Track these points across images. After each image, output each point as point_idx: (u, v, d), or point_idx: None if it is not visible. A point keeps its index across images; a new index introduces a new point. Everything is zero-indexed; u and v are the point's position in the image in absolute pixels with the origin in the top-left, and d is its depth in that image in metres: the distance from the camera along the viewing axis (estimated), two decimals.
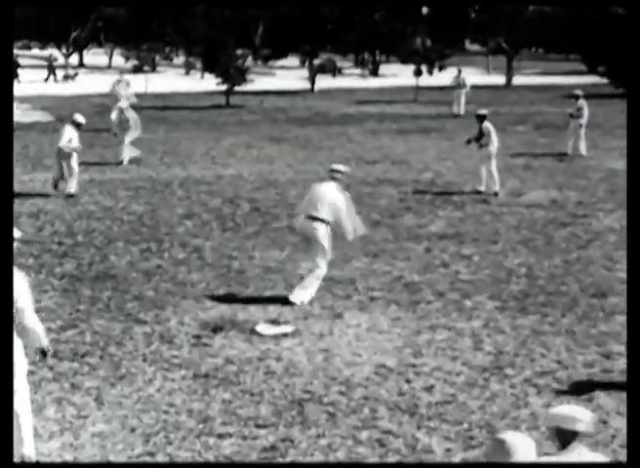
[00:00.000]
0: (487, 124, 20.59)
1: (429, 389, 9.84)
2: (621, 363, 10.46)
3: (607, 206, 19.15)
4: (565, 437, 5.89)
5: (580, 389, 9.79)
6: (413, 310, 12.45)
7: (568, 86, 48.18)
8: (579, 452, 5.82)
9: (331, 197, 12.66)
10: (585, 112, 26.03)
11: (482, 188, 20.49)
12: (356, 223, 13.12)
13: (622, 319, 11.88)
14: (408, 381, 10.05)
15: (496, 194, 20.11)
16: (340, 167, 13.26)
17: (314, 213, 12.65)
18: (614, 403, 9.45)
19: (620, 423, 8.94)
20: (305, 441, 8.64)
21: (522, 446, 5.43)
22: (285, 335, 11.48)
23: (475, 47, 77.68)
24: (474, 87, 41.57)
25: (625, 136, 30.61)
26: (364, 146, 28.54)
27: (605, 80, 50.36)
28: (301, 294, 12.68)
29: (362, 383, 9.98)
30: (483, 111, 21.29)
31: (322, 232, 12.62)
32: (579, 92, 26.65)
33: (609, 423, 9.02)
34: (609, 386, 9.88)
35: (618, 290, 13.24)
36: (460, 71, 40.49)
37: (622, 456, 8.23)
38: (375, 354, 10.85)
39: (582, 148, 25.94)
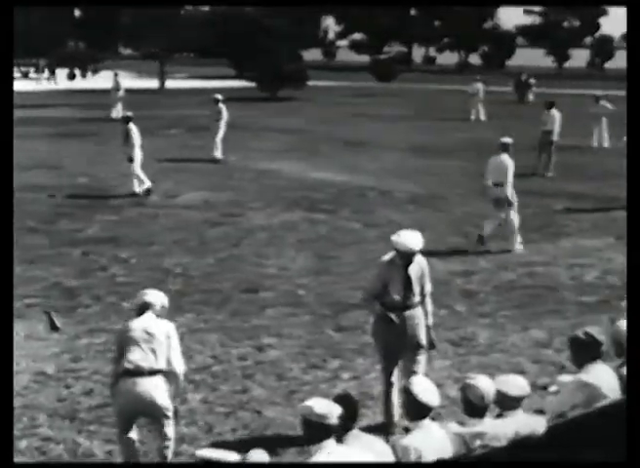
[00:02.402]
0: (131, 125, 20.84)
1: (89, 393, 9.93)
2: (272, 354, 11.08)
3: (256, 205, 19.96)
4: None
5: (235, 382, 10.28)
6: (70, 315, 12.47)
7: (219, 89, 49.38)
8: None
9: (506, 165, 15.69)
10: (224, 116, 26.69)
11: (137, 190, 20.72)
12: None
13: (272, 312, 12.61)
14: (67, 387, 10.10)
15: (134, 194, 20.45)
16: (508, 139, 16.18)
17: (498, 180, 15.69)
18: (266, 393, 9.96)
19: (272, 413, 9.46)
20: None
21: None
22: None
23: (128, 51, 77.57)
24: (128, 90, 41.66)
25: (276, 137, 32.08)
26: (16, 151, 27.76)
27: (252, 84, 52.09)
28: (517, 241, 15.89)
29: (21, 392, 9.90)
30: (128, 113, 21.66)
31: (509, 192, 15.62)
32: (218, 96, 27.41)
33: (263, 413, 9.51)
34: (262, 377, 10.43)
35: (267, 285, 13.95)
36: (116, 75, 40.46)
37: (276, 445, 8.76)
38: (33, 361, 10.80)
39: (218, 152, 26.52)
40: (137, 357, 7.80)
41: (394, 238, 8.83)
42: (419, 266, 9.00)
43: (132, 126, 20.84)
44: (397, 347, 9.01)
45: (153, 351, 7.84)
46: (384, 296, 9.01)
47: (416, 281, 8.99)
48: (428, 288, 9.18)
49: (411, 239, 8.79)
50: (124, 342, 7.93)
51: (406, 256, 8.82)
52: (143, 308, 8.13)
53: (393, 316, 8.93)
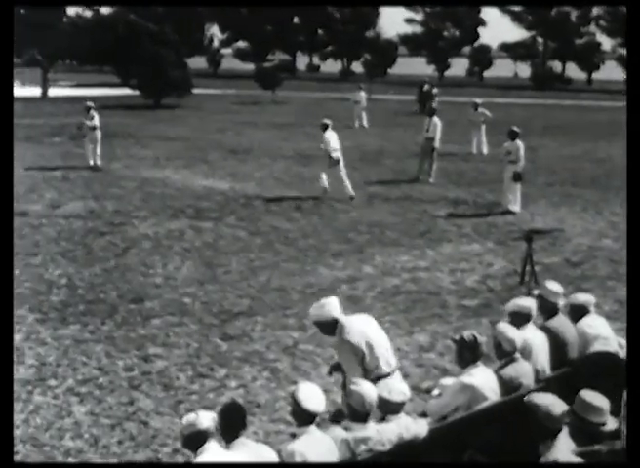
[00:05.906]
0: None
1: None
2: (159, 364, 11.02)
3: (141, 213, 19.80)
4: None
5: (121, 393, 10.20)
6: None
7: (104, 97, 48.80)
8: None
9: (518, 146, 20.00)
10: (97, 123, 26.32)
11: None
12: None
13: (159, 322, 12.52)
14: None
15: None
16: (516, 128, 20.31)
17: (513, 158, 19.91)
18: (153, 404, 9.91)
19: (159, 423, 9.42)
20: None
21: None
22: None
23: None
24: None
25: (160, 145, 31.85)
26: None
27: (136, 92, 51.57)
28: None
29: None
30: None
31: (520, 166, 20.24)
32: (89, 103, 27.01)
33: (149, 424, 9.46)
34: (149, 388, 10.39)
35: (153, 294, 13.86)
36: None
37: (163, 455, 8.74)
38: None
39: (98, 160, 26.24)
40: None
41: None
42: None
43: None
44: None
45: None
46: None
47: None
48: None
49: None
50: None
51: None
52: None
53: None
